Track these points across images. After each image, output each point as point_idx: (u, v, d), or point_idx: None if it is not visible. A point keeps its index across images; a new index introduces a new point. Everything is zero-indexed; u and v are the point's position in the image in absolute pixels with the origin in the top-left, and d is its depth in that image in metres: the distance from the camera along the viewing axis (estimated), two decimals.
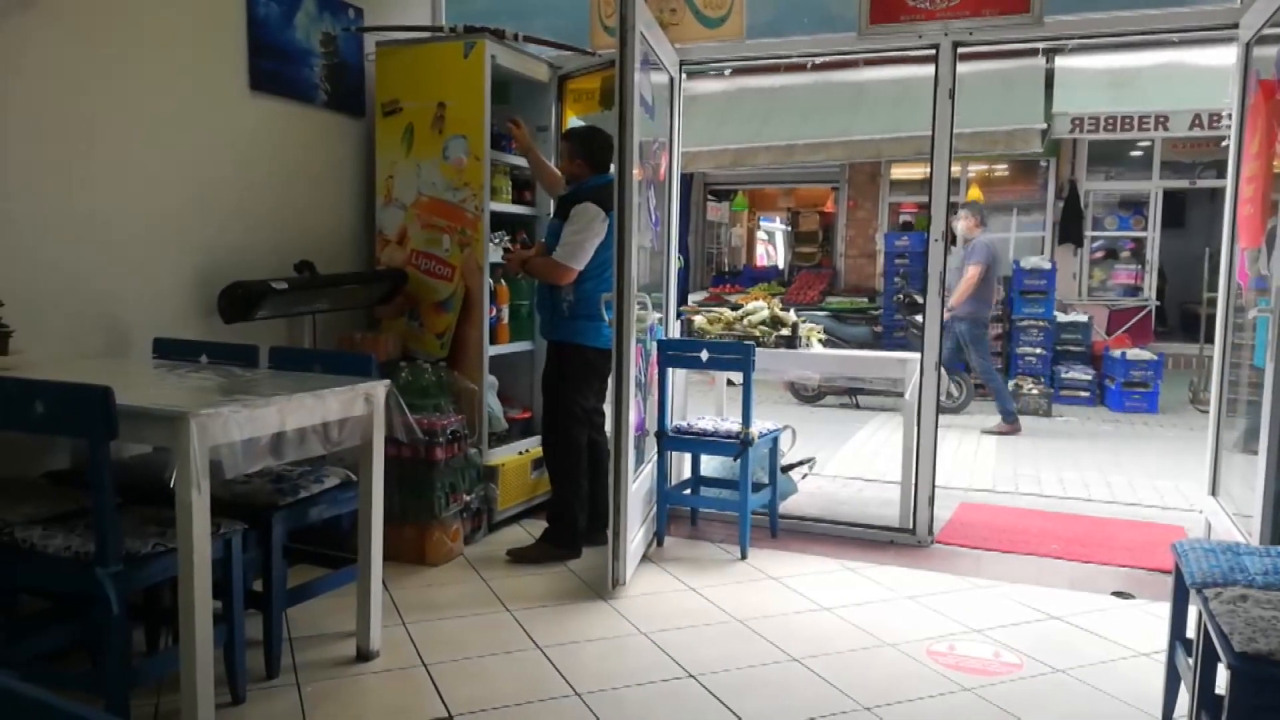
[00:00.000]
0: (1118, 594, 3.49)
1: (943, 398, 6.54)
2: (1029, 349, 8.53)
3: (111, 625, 2.06)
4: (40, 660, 2.45)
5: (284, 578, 2.70)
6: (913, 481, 4.07)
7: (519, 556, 3.71)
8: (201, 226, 3.47)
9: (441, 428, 3.63)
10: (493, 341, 4.13)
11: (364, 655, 2.78)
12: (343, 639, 2.89)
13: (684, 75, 4.39)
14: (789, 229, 13.94)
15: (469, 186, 4.03)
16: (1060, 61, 8.44)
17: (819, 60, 8.30)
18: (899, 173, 10.90)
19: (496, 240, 4.13)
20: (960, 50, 3.84)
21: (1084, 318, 8.99)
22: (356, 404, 2.57)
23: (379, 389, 2.65)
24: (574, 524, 3.75)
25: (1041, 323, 8.55)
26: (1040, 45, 7.79)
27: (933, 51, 3.87)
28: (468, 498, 3.82)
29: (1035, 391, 8.16)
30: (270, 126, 3.78)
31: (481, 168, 4.00)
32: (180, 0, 3.35)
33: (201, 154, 3.47)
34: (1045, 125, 8.15)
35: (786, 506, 4.37)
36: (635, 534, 3.61)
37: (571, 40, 4.47)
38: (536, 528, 4.04)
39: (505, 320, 4.26)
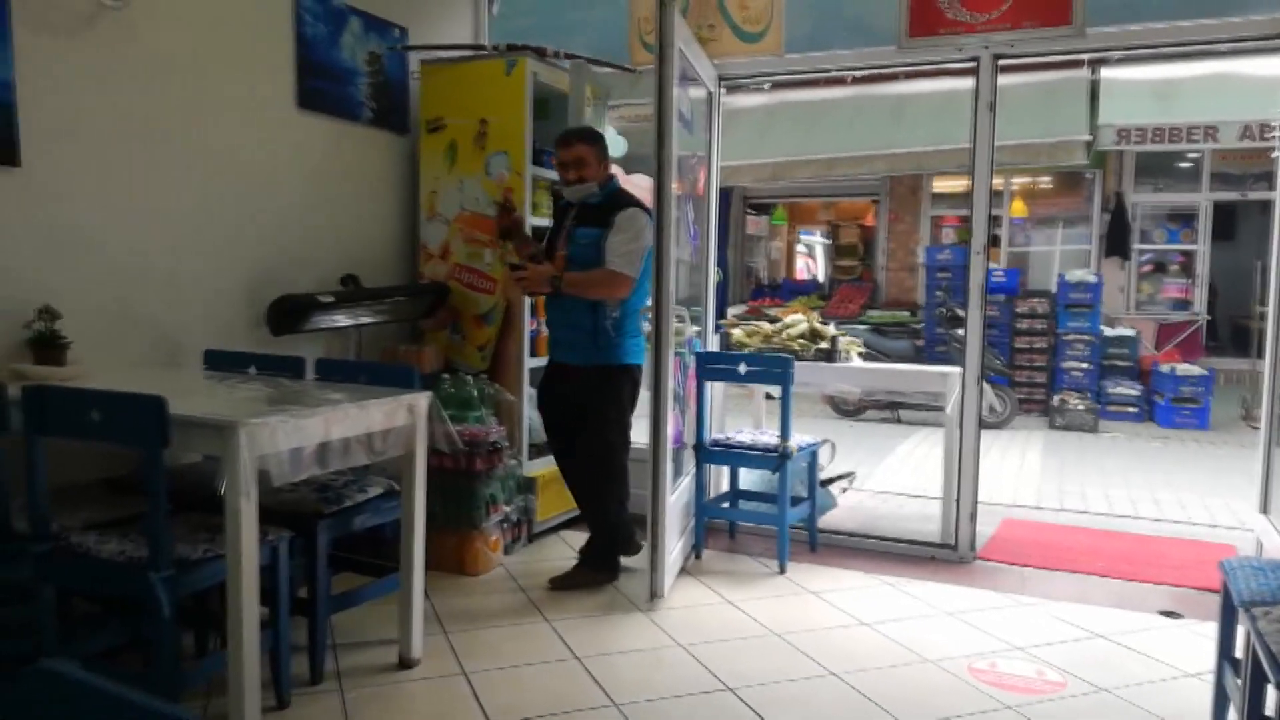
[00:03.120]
0: (1165, 613, 3.42)
1: (985, 412, 6.47)
2: (1075, 363, 8.40)
3: (162, 628, 2.12)
4: (93, 660, 2.52)
5: (328, 585, 2.75)
6: (954, 497, 4.03)
7: (561, 584, 3.56)
8: (251, 241, 3.57)
9: (482, 439, 3.68)
10: (532, 354, 4.18)
11: (405, 663, 2.82)
12: (385, 646, 2.93)
13: (722, 90, 4.42)
14: (829, 242, 13.88)
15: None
16: (1105, 72, 8.32)
17: (859, 73, 8.28)
18: (940, 185, 10.80)
19: (502, 251, 3.96)
20: (1001, 63, 3.82)
21: (1132, 332, 8.83)
22: (399, 415, 2.61)
23: (421, 400, 2.69)
24: (615, 548, 3.64)
25: (1087, 337, 8.42)
26: (1084, 56, 7.70)
27: (973, 64, 3.86)
28: (507, 508, 3.86)
29: (1081, 407, 8.03)
30: (317, 143, 3.87)
31: (523, 183, 4.06)
32: (232, 22, 3.45)
33: (251, 170, 3.57)
34: (1090, 137, 8.03)
35: (826, 521, 4.35)
36: (674, 547, 3.62)
37: (611, 57, 4.52)
38: (576, 539, 4.06)
39: (545, 333, 4.31)
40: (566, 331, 3.49)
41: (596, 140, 3.52)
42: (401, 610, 2.82)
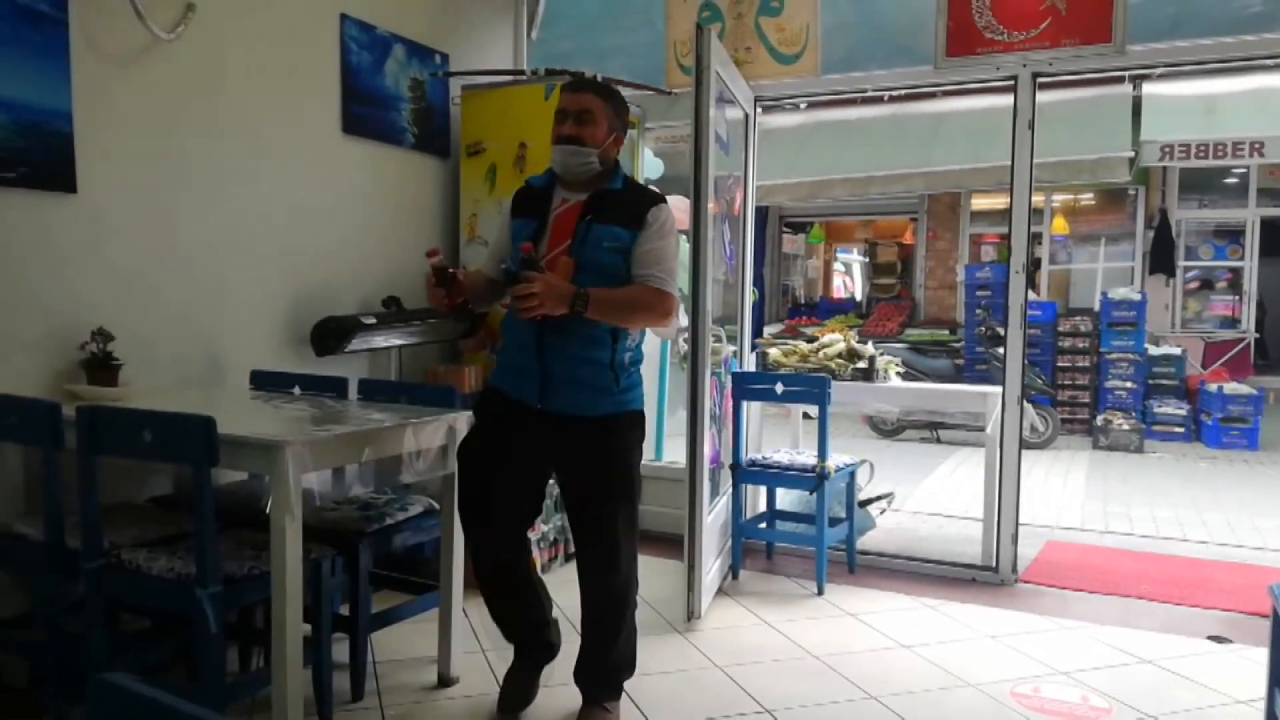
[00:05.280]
0: (1214, 638, 3.35)
1: (1027, 432, 6.39)
2: (1119, 383, 8.26)
3: (209, 643, 2.17)
4: (140, 675, 2.57)
5: (369, 602, 2.78)
6: (995, 518, 3.98)
7: None
8: (296, 263, 3.64)
9: None
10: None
11: (444, 681, 2.85)
12: (424, 664, 2.96)
13: (759, 110, 4.45)
14: (866, 260, 13.81)
15: None
16: (1147, 88, 8.23)
17: (896, 92, 8.28)
18: (979, 203, 10.72)
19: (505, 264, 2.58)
20: (1040, 80, 3.81)
21: (1177, 350, 8.67)
22: (440, 434, 2.65)
23: (461, 420, 2.73)
24: (632, 665, 2.71)
25: (1132, 355, 8.28)
26: (1125, 73, 7.62)
27: (1011, 83, 3.84)
28: (545, 527, 3.88)
29: (1126, 426, 7.89)
30: (361, 168, 3.95)
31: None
32: (280, 51, 3.54)
33: (297, 194, 3.65)
34: (1133, 153, 7.94)
35: (864, 542, 4.31)
36: (710, 567, 3.62)
37: (648, 80, 4.56)
38: None
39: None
40: (575, 367, 2.44)
41: (613, 98, 2.54)
42: (441, 628, 2.85)
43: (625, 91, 4.48)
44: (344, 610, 2.84)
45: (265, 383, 3.22)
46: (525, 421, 2.50)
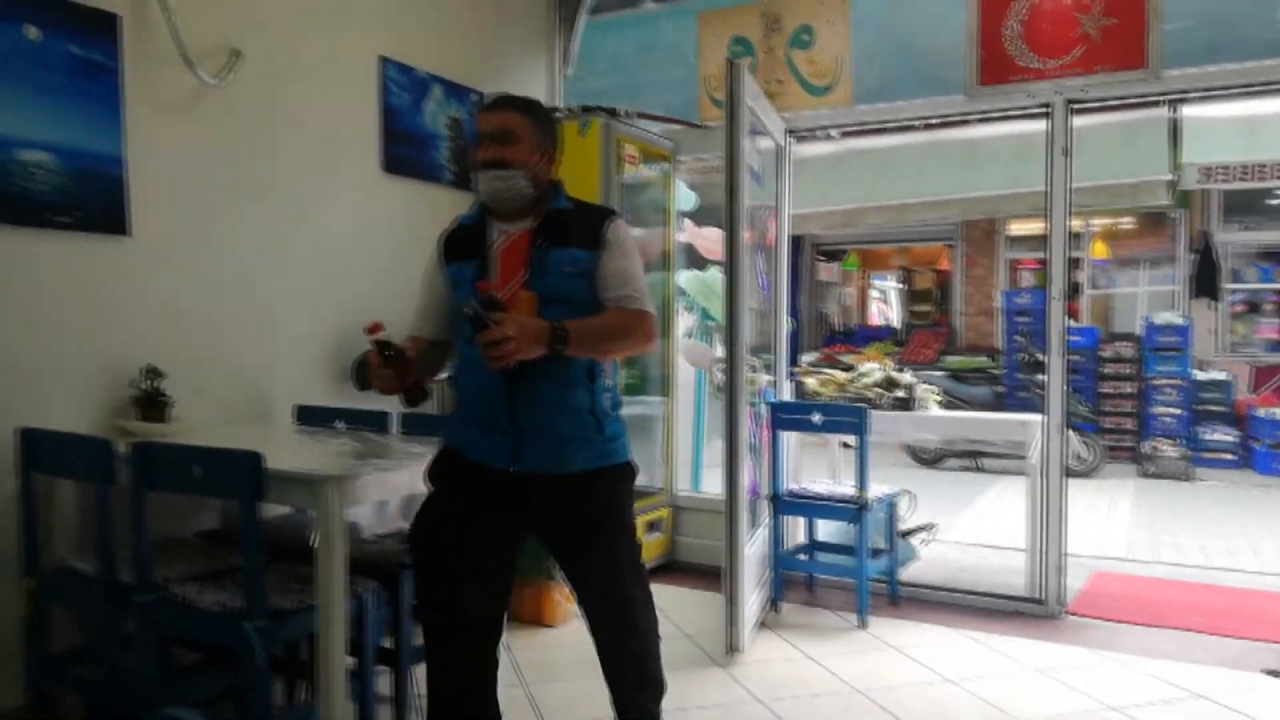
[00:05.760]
0: (1270, 671, 3.25)
1: (1071, 460, 6.27)
2: (1165, 409, 8.10)
3: (256, 677, 2.20)
4: (191, 708, 2.61)
5: (411, 635, 2.80)
6: (1040, 549, 3.91)
7: None
8: (338, 299, 3.72)
9: None
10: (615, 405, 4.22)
11: None
12: None
13: (791, 141, 4.47)
14: (903, 287, 13.74)
15: None
16: (1186, 110, 8.13)
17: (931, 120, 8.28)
18: (1017, 228, 10.63)
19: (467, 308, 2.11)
20: (1074, 107, 3.79)
21: (1225, 375, 8.49)
22: None
23: None
24: None
25: (1177, 381, 8.12)
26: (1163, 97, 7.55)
27: (1045, 110, 3.83)
28: None
29: (1173, 454, 7.73)
30: (401, 205, 4.03)
31: None
32: (322, 95, 3.64)
33: (339, 232, 3.73)
34: (1173, 176, 7.84)
35: (907, 573, 4.26)
36: (751, 599, 3.59)
37: (682, 114, 4.62)
38: (653, 591, 4.05)
39: (621, 385, 4.35)
40: (552, 417, 2.13)
41: (537, 113, 2.22)
42: None
43: (660, 126, 4.59)
44: (387, 643, 2.86)
45: (309, 417, 3.28)
46: (493, 489, 2.15)
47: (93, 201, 2.85)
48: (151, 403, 2.85)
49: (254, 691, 2.21)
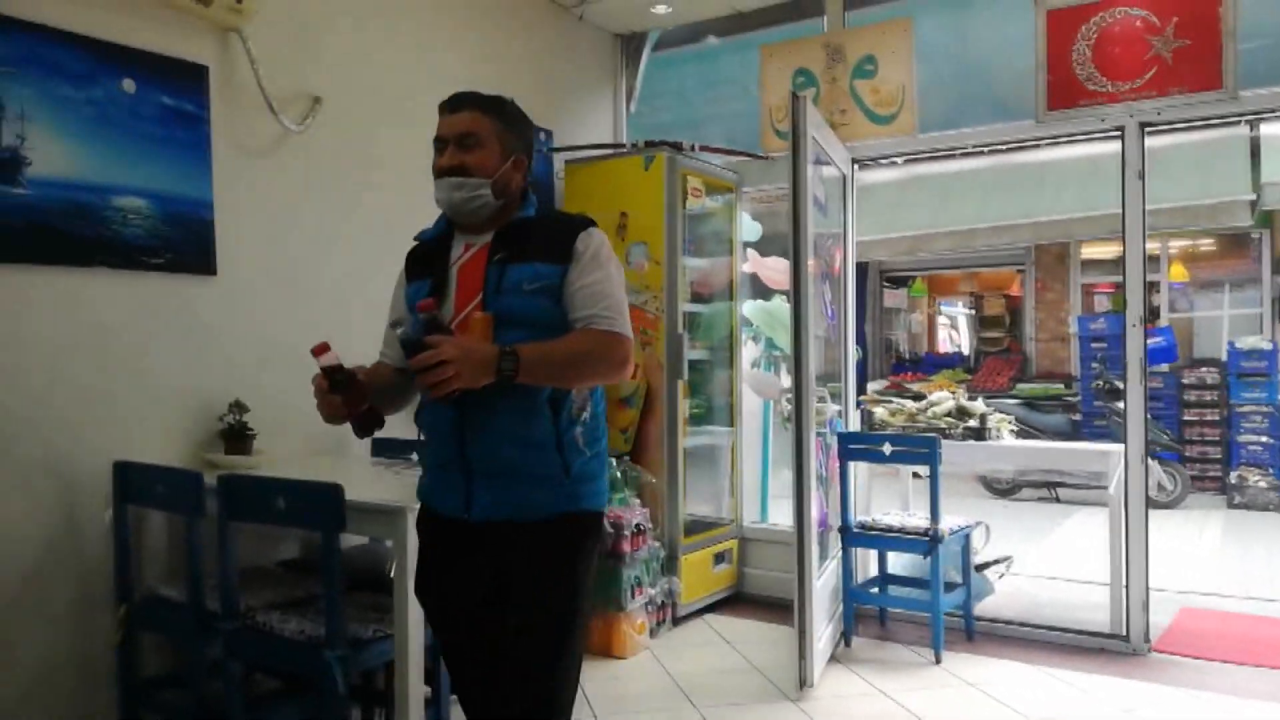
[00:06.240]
0: None
1: (1153, 491, 6.05)
2: (1252, 437, 7.77)
3: (335, 705, 2.25)
4: None
5: None
6: (1123, 583, 3.79)
7: None
8: None
9: (627, 520, 3.74)
10: (670, 435, 4.23)
11: None
12: None
13: (855, 169, 4.47)
14: (972, 313, 13.50)
15: (650, 289, 4.23)
16: (1265, 129, 7.87)
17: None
18: (1090, 251, 10.38)
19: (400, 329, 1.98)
20: (1148, 130, 3.72)
21: None
22: None
23: None
24: None
25: (1265, 408, 7.80)
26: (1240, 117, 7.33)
27: (1118, 133, 3.76)
28: (652, 590, 3.88)
29: (1263, 484, 7.40)
30: None
31: (661, 271, 4.19)
32: (399, 135, 3.76)
33: None
34: (1254, 196, 7.58)
35: (983, 608, 4.16)
36: (822, 633, 3.55)
37: (745, 146, 4.65)
38: (720, 623, 4.05)
39: (685, 415, 4.37)
40: (507, 453, 1.82)
41: (503, 111, 1.97)
42: None
43: (723, 158, 4.63)
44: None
45: (385, 449, 3.36)
46: (460, 544, 1.88)
47: (183, 244, 2.99)
48: (237, 436, 2.96)
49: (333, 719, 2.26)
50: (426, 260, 2.03)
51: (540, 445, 1.82)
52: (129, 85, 2.87)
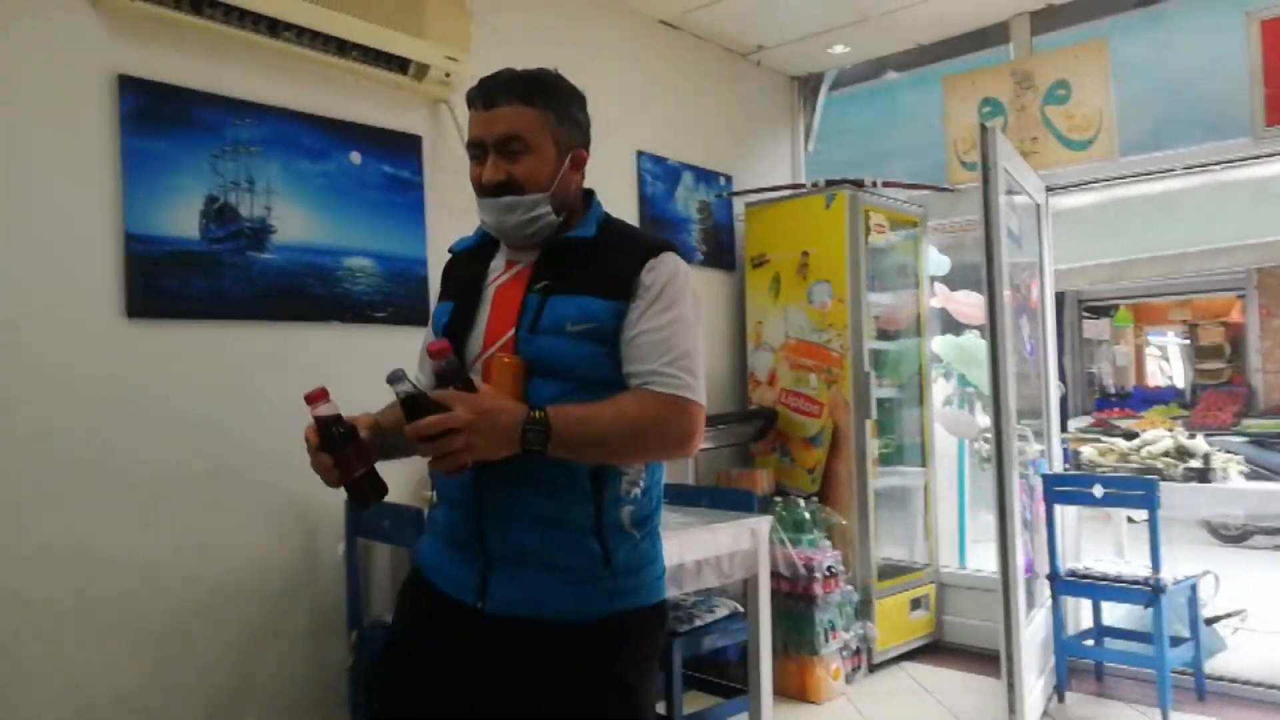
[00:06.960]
0: None
1: None
2: None
3: None
4: None
5: (681, 703, 2.87)
6: None
7: None
8: None
9: (818, 562, 3.70)
10: (859, 475, 4.16)
11: None
12: None
13: (1049, 196, 4.28)
14: (1186, 343, 12.44)
15: (833, 327, 4.20)
16: None
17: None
18: None
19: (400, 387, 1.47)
20: None
21: None
22: (743, 538, 2.74)
23: (764, 523, 2.81)
24: None
25: None
26: None
27: None
28: (846, 635, 3.80)
29: None
30: None
31: (845, 309, 4.16)
32: (592, 186, 3.95)
33: None
34: None
35: (1214, 665, 3.80)
36: (1033, 687, 3.35)
37: (929, 179, 4.56)
38: (919, 672, 3.90)
39: (874, 455, 4.28)
40: (536, 536, 1.45)
41: (552, 95, 1.53)
42: None
43: (906, 192, 4.55)
44: (660, 709, 2.95)
45: None
46: (459, 634, 1.48)
47: (402, 298, 3.26)
48: None
49: None
50: (463, 274, 1.60)
51: (576, 530, 1.43)
52: (355, 157, 3.18)
